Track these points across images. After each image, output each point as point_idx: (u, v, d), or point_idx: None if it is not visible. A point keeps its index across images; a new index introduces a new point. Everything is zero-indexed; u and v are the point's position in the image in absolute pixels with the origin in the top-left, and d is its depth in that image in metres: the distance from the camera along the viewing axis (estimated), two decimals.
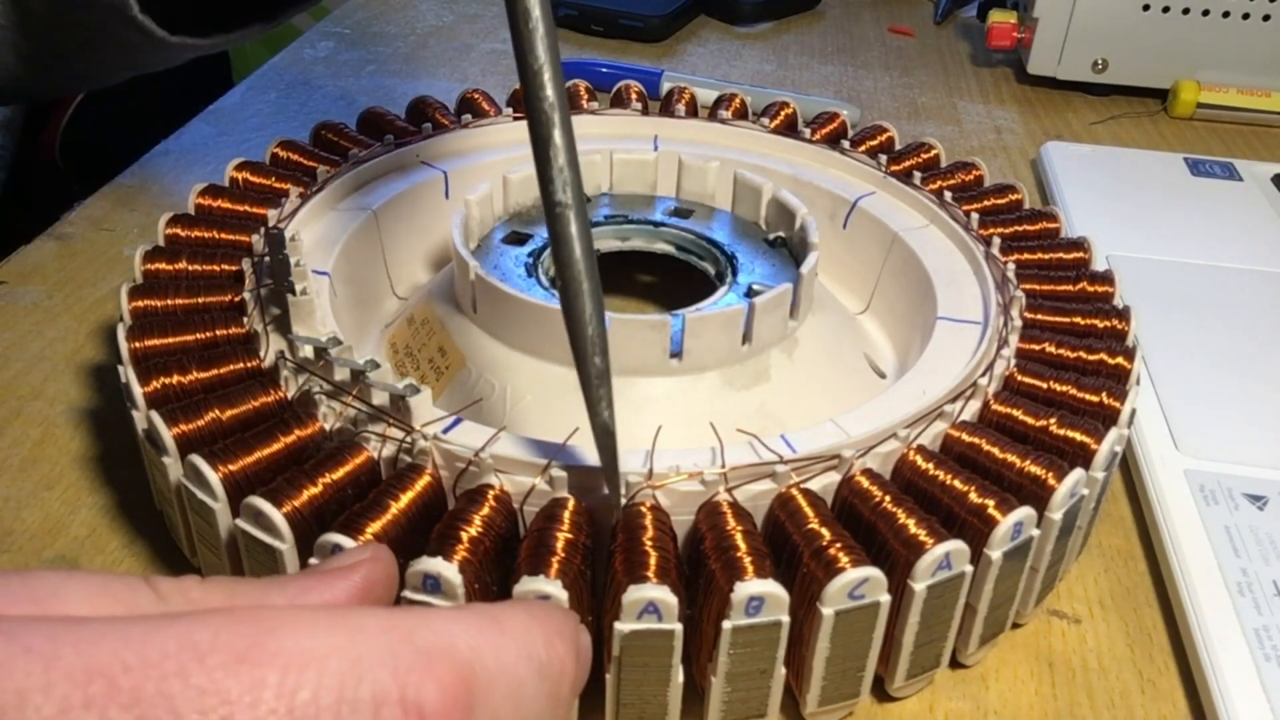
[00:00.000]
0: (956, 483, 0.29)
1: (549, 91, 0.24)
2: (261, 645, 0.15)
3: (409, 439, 0.29)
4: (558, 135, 0.25)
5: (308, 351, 0.32)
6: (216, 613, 0.15)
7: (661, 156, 0.44)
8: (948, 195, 0.44)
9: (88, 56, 0.48)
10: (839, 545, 0.27)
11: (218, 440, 0.30)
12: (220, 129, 0.63)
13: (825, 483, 0.29)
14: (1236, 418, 0.41)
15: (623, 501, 0.28)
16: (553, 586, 0.25)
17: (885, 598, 0.27)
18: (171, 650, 0.14)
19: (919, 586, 0.27)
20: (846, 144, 0.47)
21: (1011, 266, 0.39)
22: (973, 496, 0.29)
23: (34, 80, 0.50)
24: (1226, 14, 0.70)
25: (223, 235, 0.40)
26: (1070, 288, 0.39)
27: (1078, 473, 0.30)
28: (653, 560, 0.26)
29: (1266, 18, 0.70)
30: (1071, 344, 0.36)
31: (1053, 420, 0.32)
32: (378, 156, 0.44)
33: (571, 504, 0.28)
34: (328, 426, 0.31)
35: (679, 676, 0.27)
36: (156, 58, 0.49)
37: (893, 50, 0.83)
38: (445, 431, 0.29)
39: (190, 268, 0.38)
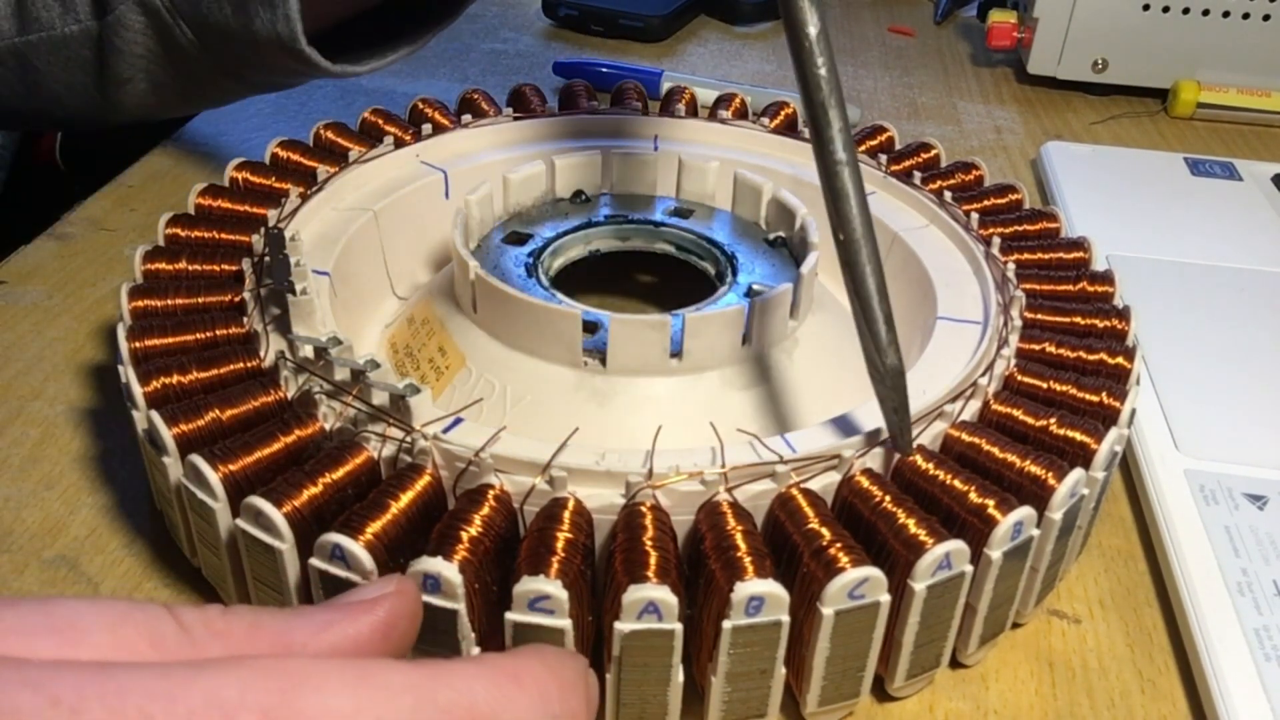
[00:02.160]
0: (956, 483, 0.29)
1: (821, 60, 0.27)
2: (288, 703, 0.15)
3: (409, 439, 0.29)
4: (834, 98, 0.27)
5: (308, 351, 0.32)
6: (242, 663, 0.15)
7: (661, 156, 0.44)
8: (948, 195, 0.44)
9: (228, 85, 0.48)
10: (839, 545, 0.27)
11: (218, 440, 0.30)
12: (220, 129, 0.63)
13: (825, 483, 0.29)
14: (1236, 418, 0.41)
15: (913, 444, 0.30)
16: (553, 586, 0.25)
17: (885, 598, 0.27)
18: (198, 706, 0.15)
19: (919, 586, 0.27)
20: None
21: (1011, 266, 0.39)
22: (973, 496, 0.29)
23: (159, 106, 0.49)
24: (1226, 14, 0.70)
25: (223, 235, 0.40)
26: (1070, 288, 0.39)
27: (1078, 473, 0.30)
28: (653, 560, 0.26)
29: (1266, 18, 0.70)
30: (1071, 344, 0.36)
31: (1053, 420, 0.32)
32: (378, 156, 0.44)
33: (571, 504, 0.28)
34: (328, 426, 0.31)
35: (679, 676, 0.27)
36: (295, 81, 0.49)
37: (893, 50, 0.83)
38: (445, 431, 0.29)
39: (190, 268, 0.38)
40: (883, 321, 0.29)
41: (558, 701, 0.18)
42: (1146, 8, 0.71)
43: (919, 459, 0.30)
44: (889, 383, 0.29)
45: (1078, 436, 0.31)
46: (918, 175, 0.45)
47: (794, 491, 0.29)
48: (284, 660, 0.16)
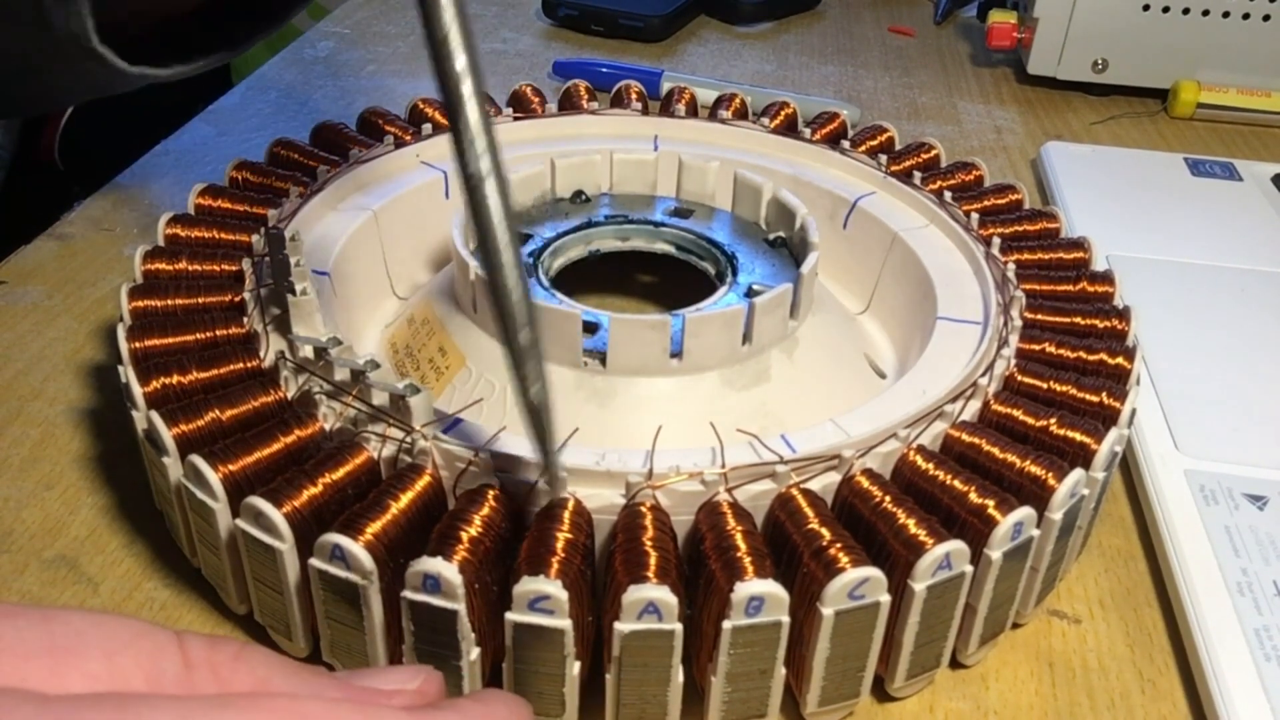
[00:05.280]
0: (956, 483, 0.29)
1: (457, 60, 0.23)
2: None
3: (409, 439, 0.29)
4: (469, 106, 0.24)
5: (308, 351, 0.32)
6: (259, 702, 0.16)
7: (661, 156, 0.44)
8: (948, 195, 0.44)
9: (35, 81, 0.47)
10: (839, 545, 0.27)
11: (218, 440, 0.30)
12: (220, 129, 0.63)
13: (825, 483, 0.29)
14: (1236, 418, 0.41)
15: (562, 482, 0.28)
16: (553, 586, 0.25)
17: (885, 598, 0.27)
18: None
19: (919, 586, 0.27)
20: (846, 144, 0.47)
21: (1011, 266, 0.39)
22: (973, 496, 0.29)
23: None
24: (1226, 14, 0.70)
25: (223, 235, 0.40)
26: (1070, 288, 0.39)
27: (1078, 473, 0.30)
28: (653, 560, 0.26)
29: (1266, 18, 0.70)
30: (1071, 344, 0.36)
31: (1053, 420, 0.32)
32: (378, 156, 0.44)
33: (571, 504, 0.28)
34: (328, 426, 0.31)
35: (679, 676, 0.27)
36: (113, 85, 0.48)
37: (893, 50, 0.83)
38: (445, 431, 0.29)
39: (190, 268, 0.38)
40: (526, 348, 0.25)
41: None
42: (1146, 8, 0.71)
43: (919, 459, 0.30)
44: (530, 419, 0.26)
45: (1078, 437, 0.31)
46: (918, 175, 0.45)
47: (794, 491, 0.29)
48: (301, 701, 0.16)
